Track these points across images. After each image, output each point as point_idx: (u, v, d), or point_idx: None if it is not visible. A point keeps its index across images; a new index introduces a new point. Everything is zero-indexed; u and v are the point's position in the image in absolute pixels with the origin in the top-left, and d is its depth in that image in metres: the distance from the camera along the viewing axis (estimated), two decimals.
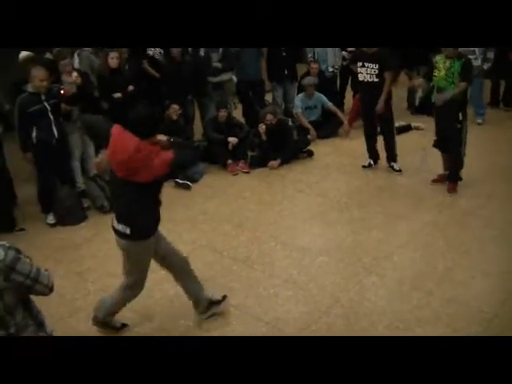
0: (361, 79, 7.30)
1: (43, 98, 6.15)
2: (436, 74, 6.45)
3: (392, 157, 7.48)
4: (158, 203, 4.17)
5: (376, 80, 7.13)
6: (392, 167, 7.48)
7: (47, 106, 6.17)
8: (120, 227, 4.06)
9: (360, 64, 7.22)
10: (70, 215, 6.55)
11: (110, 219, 6.58)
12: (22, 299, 2.78)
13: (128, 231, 4.02)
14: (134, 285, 4.32)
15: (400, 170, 7.42)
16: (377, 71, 7.09)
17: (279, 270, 5.34)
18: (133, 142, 3.82)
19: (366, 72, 7.17)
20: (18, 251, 2.73)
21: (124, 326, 4.57)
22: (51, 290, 2.90)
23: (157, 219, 4.22)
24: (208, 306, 4.58)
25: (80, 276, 5.43)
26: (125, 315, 4.69)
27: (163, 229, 6.22)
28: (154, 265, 5.51)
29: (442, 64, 6.38)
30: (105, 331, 4.45)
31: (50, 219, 6.58)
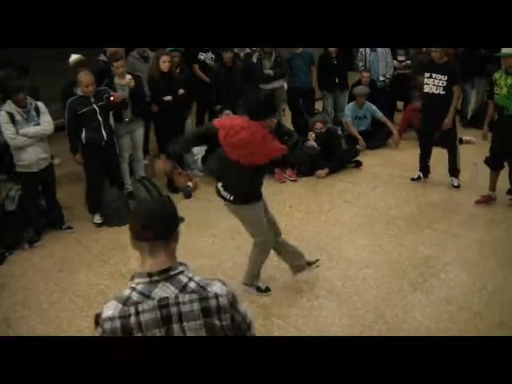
0: (426, 90, 7.01)
1: (92, 100, 6.25)
2: (497, 92, 6.25)
3: (454, 171, 7.27)
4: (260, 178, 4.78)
5: (442, 93, 6.85)
6: (451, 181, 7.29)
7: (96, 108, 6.27)
8: (226, 195, 4.75)
9: (427, 75, 6.93)
10: (117, 216, 6.62)
11: None
12: None
13: (232, 198, 4.72)
14: (260, 244, 4.96)
15: (458, 186, 7.23)
16: (445, 83, 6.80)
17: (323, 281, 5.29)
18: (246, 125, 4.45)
19: (433, 83, 6.88)
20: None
21: (268, 289, 5.17)
22: None
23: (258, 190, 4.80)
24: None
25: (125, 277, 5.46)
26: None
27: (208, 233, 6.29)
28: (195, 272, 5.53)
29: (502, 81, 6.17)
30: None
31: (97, 219, 6.67)
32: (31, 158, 6.03)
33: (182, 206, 7.11)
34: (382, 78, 9.66)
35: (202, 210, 6.99)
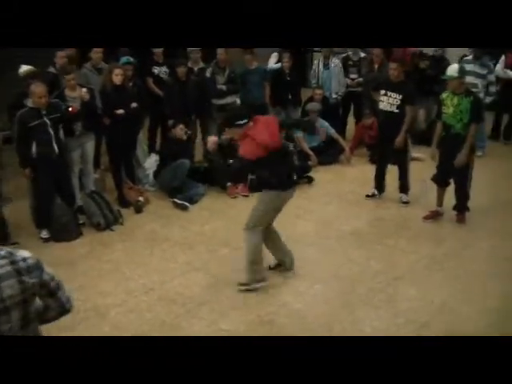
0: (380, 107, 7.18)
1: (43, 112, 6.13)
2: (445, 111, 6.42)
3: (405, 188, 7.41)
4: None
5: (396, 111, 7.01)
6: (400, 198, 7.43)
7: (47, 121, 6.15)
8: None
9: (383, 92, 7.09)
10: (65, 231, 6.49)
11: (106, 237, 6.63)
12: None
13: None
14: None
15: (407, 202, 7.37)
16: (399, 102, 6.97)
17: (274, 297, 5.29)
18: None
19: (388, 101, 7.04)
20: None
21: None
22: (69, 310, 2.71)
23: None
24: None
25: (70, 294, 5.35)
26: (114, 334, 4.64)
27: (159, 249, 6.23)
28: (144, 288, 5.48)
29: (449, 101, 6.35)
30: None
31: (44, 234, 6.51)
32: None
33: (133, 221, 7.05)
34: (334, 96, 9.79)
35: (153, 225, 6.92)
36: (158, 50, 8.66)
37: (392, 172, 7.49)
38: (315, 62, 10.33)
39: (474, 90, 7.34)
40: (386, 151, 7.38)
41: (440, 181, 6.75)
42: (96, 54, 7.80)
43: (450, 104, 6.33)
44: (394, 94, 6.99)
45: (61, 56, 7.45)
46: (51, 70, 7.57)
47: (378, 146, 7.68)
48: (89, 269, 5.85)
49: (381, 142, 7.48)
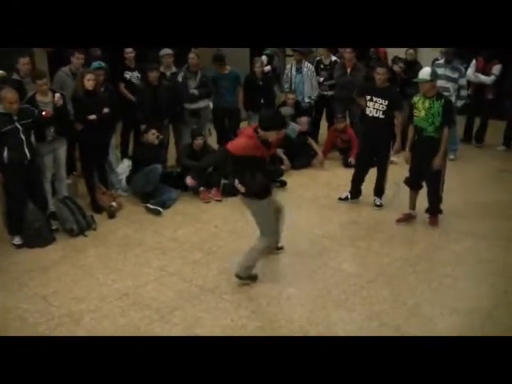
0: (366, 113, 7.19)
1: (15, 118, 6.08)
2: (416, 115, 6.49)
3: (380, 191, 7.46)
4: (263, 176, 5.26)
5: (382, 116, 7.05)
6: (374, 200, 7.48)
7: (19, 127, 6.10)
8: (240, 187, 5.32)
9: (368, 97, 7.12)
10: (38, 237, 6.42)
11: (79, 242, 6.57)
12: None
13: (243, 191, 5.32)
14: (263, 236, 5.47)
15: (380, 205, 7.43)
16: (385, 107, 7.00)
17: (248, 301, 5.28)
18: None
19: (374, 107, 7.06)
20: None
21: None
22: None
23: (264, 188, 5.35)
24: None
25: (45, 300, 5.30)
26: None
27: (132, 254, 6.20)
28: (118, 294, 5.45)
29: (420, 104, 6.42)
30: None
31: (17, 240, 6.44)
32: None
33: (106, 226, 7.00)
34: (307, 100, 9.84)
35: (126, 230, 6.89)
36: (130, 55, 8.64)
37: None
38: (288, 66, 10.39)
39: (445, 93, 7.44)
40: (368, 156, 7.41)
41: (413, 184, 6.82)
42: (78, 59, 7.77)
43: (422, 107, 6.41)
44: (379, 100, 7.03)
45: (23, 63, 7.39)
46: (15, 76, 7.50)
47: (359, 151, 7.68)
48: (62, 274, 5.79)
49: (364, 147, 7.47)
